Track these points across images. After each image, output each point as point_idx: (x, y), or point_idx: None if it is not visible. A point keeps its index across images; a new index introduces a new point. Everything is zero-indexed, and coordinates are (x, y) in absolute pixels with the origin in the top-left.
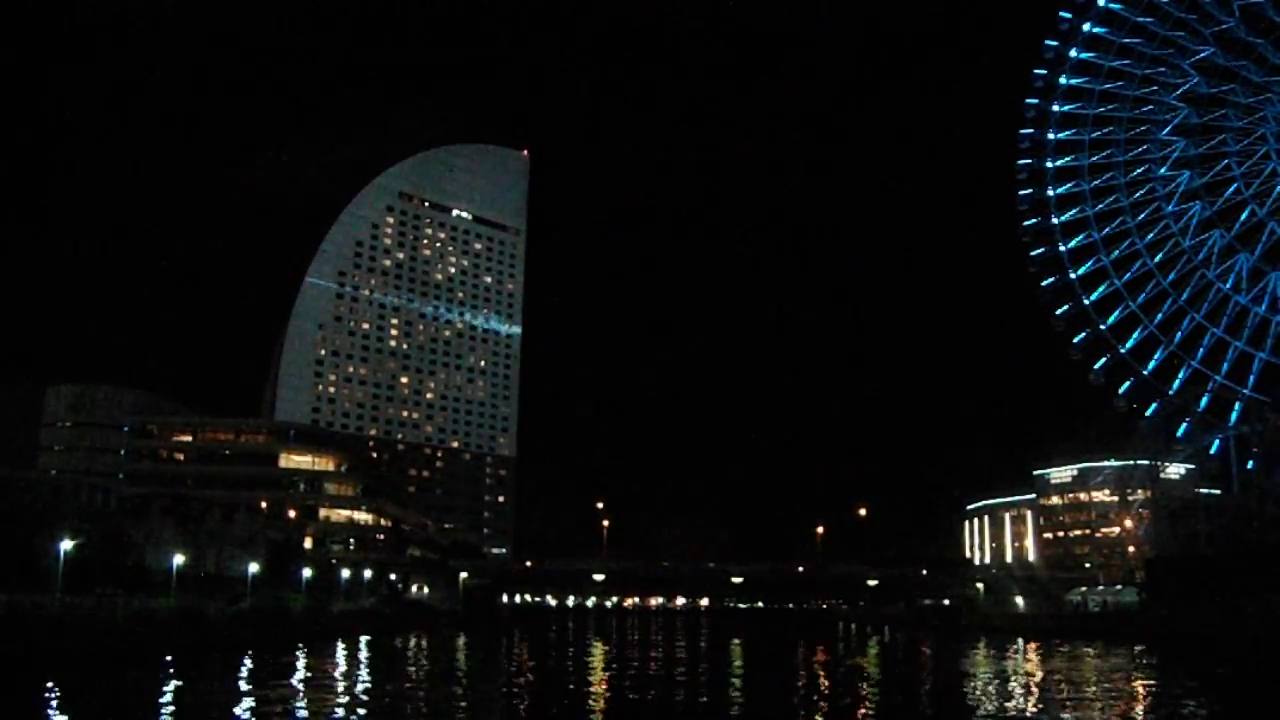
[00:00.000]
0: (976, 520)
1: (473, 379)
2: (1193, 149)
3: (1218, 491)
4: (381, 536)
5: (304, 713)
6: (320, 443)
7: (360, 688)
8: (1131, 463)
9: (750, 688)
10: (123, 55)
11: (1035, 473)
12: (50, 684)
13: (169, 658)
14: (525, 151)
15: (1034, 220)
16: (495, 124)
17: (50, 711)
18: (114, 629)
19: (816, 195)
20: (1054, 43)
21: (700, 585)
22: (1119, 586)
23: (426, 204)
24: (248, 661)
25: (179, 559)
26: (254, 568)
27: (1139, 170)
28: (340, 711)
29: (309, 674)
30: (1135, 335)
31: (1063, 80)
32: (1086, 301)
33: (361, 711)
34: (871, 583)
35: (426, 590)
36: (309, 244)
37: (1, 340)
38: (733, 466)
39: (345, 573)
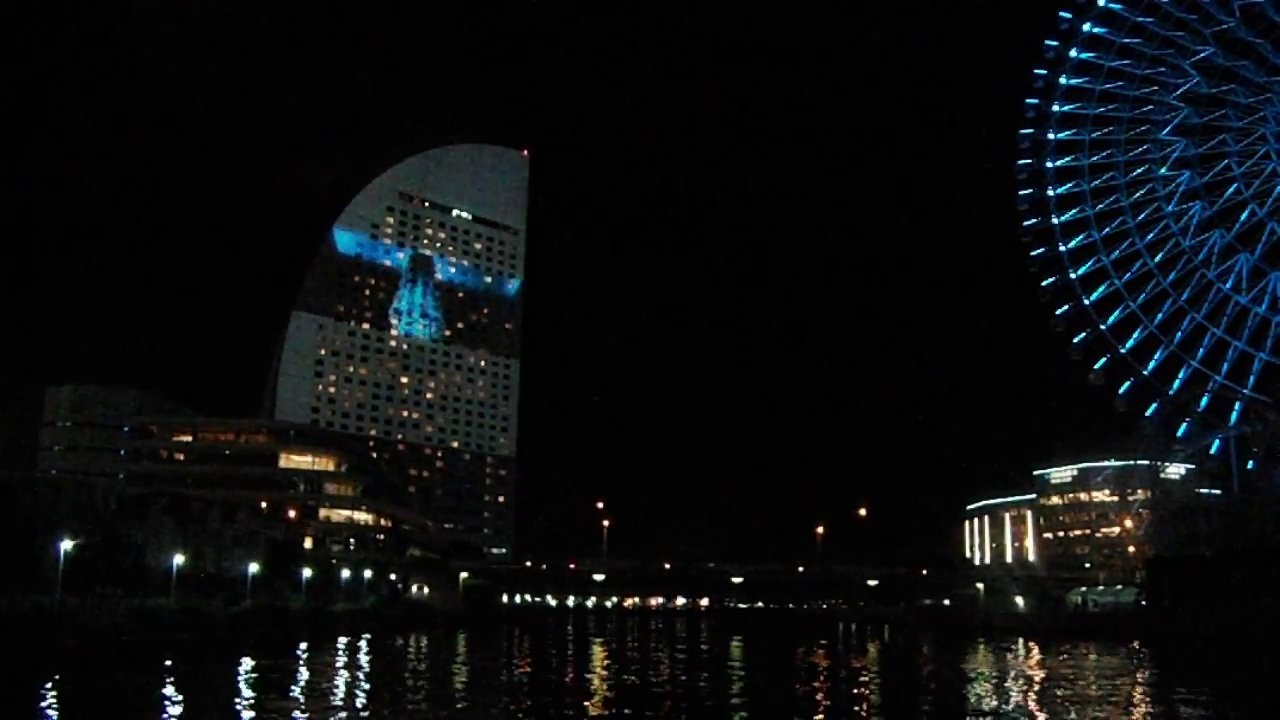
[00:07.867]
0: (976, 520)
1: (473, 379)
2: (1193, 149)
3: (1218, 491)
4: (381, 536)
5: (303, 710)
6: (320, 443)
7: (360, 688)
8: (1131, 463)
9: (751, 687)
10: (123, 56)
11: (1035, 473)
12: (50, 684)
13: (169, 657)
14: (525, 151)
15: (1034, 220)
16: (495, 124)
17: (50, 711)
18: (114, 629)
19: (816, 195)
20: (1054, 43)
21: (700, 585)
22: (1119, 586)
23: (426, 204)
24: (247, 661)
25: (179, 559)
26: (254, 568)
27: (1139, 170)
28: (342, 713)
29: (308, 674)
30: (1135, 335)
31: (1063, 80)
32: (1086, 301)
33: (363, 713)
34: (871, 583)
35: (426, 590)
36: (310, 244)
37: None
38: (733, 466)
39: (345, 573)
